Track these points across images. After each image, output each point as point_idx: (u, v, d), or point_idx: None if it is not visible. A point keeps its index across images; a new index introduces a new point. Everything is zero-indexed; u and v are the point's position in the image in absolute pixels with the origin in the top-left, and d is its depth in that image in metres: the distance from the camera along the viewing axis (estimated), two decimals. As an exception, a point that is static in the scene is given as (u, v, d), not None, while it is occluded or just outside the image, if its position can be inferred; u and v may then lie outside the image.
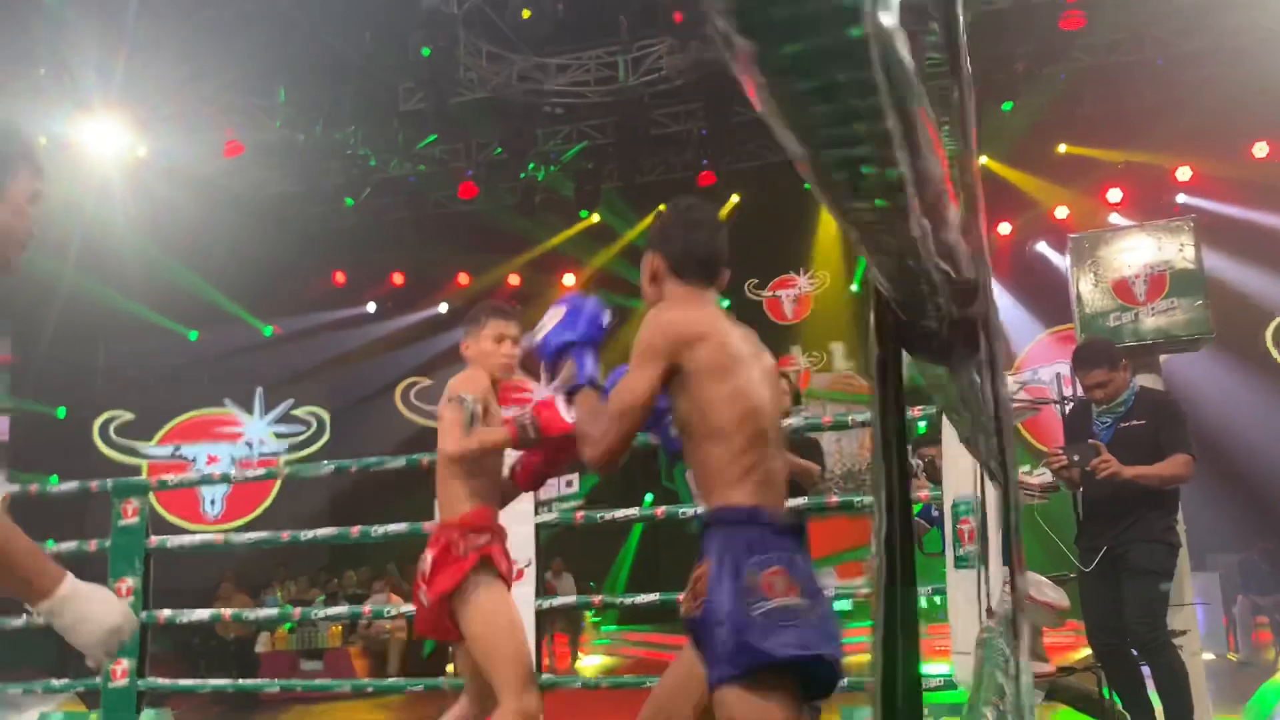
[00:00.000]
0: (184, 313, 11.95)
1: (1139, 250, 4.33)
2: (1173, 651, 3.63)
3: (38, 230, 1.57)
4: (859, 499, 4.27)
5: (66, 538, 4.40)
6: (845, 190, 0.42)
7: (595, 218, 13.12)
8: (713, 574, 1.80)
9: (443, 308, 13.98)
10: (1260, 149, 10.11)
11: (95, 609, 1.38)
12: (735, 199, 12.71)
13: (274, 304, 12.54)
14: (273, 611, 5.93)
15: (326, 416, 12.97)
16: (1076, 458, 3.73)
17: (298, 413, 12.87)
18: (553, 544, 11.37)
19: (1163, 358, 4.46)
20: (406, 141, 10.94)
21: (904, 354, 0.80)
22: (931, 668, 5.89)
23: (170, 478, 5.13)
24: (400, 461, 4.43)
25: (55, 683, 4.62)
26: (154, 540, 4.38)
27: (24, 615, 4.49)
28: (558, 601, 5.00)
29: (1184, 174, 10.50)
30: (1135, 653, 3.72)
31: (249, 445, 12.60)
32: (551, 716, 4.55)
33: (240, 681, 5.18)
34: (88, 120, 9.26)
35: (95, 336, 10.92)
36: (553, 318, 2.24)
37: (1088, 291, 4.39)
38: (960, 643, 3.63)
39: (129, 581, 4.26)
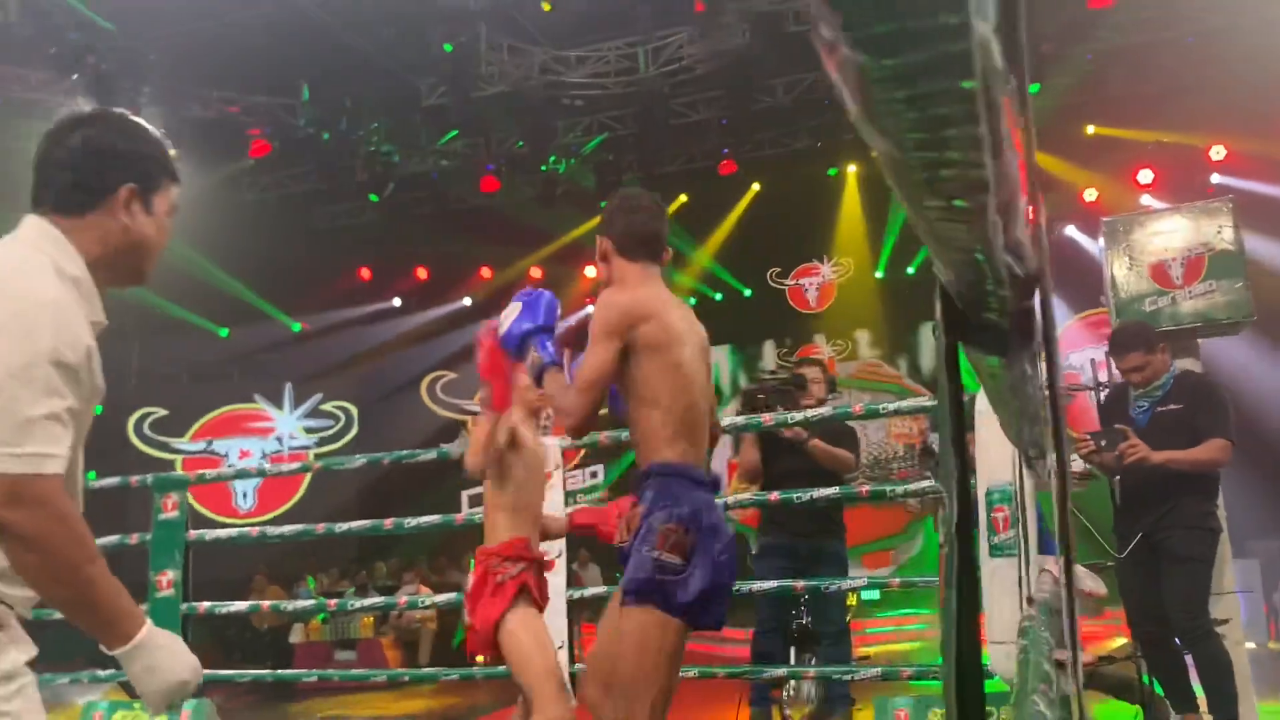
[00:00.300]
0: (214, 311, 12.09)
1: (1175, 232, 4.27)
2: (1215, 640, 3.59)
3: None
4: (890, 489, 4.26)
5: (106, 532, 4.47)
6: (925, 189, 0.43)
7: (617, 208, 13.12)
8: (641, 516, 2.19)
9: (466, 301, 14.03)
10: (1298, 126, 9.92)
11: (165, 660, 1.39)
12: (756, 187, 12.67)
13: (302, 300, 12.65)
14: (310, 603, 6.01)
15: (354, 411, 13.08)
16: (1104, 443, 3.70)
17: (326, 407, 12.99)
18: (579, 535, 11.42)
19: (1200, 341, 4.40)
20: (429, 137, 10.98)
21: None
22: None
23: (207, 472, 5.20)
24: (431, 454, 4.47)
25: (100, 673, 4.71)
26: (193, 534, 4.44)
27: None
28: (588, 592, 5.02)
29: (1218, 153, 10.31)
30: (1177, 641, 3.69)
31: (279, 440, 12.75)
32: (582, 706, 4.58)
33: (279, 671, 5.26)
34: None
35: (128, 336, 11.08)
36: (511, 311, 2.49)
37: (1122, 275, 4.34)
38: (996, 632, 3.61)
39: (170, 574, 4.33)
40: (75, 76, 8.64)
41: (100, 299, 1.50)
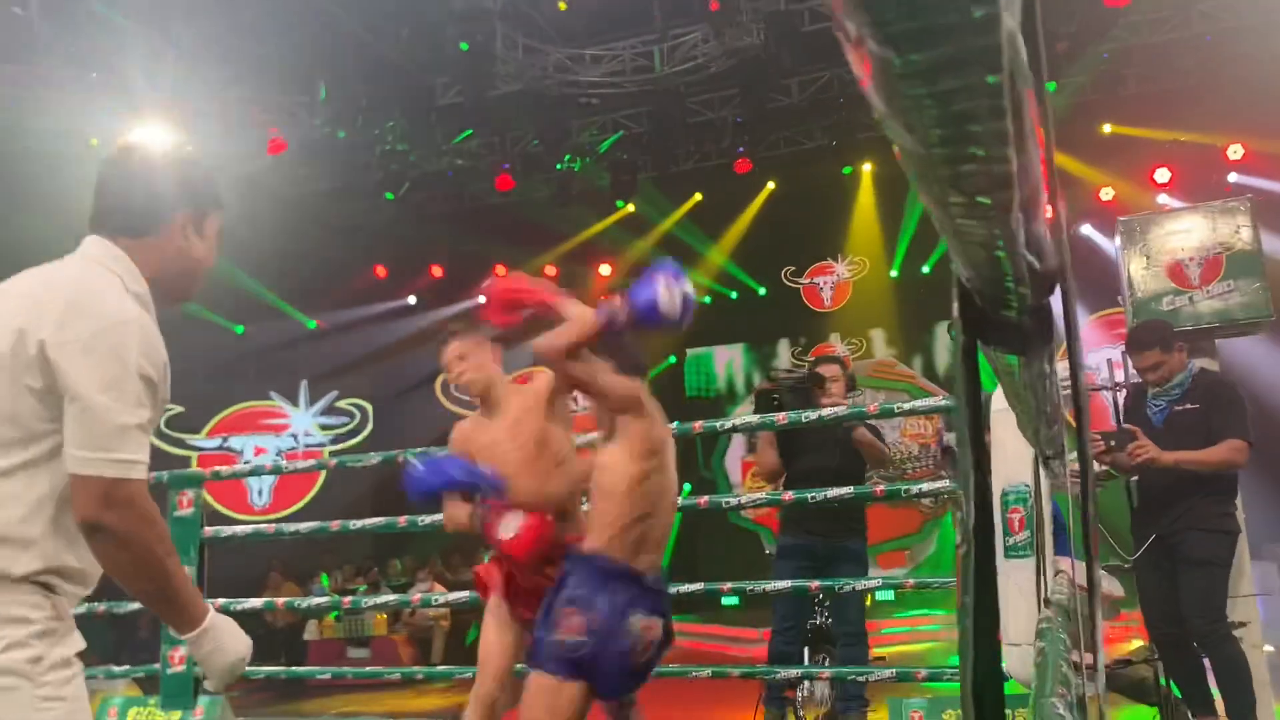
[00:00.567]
0: (230, 308, 12.15)
1: (1192, 232, 4.23)
2: (1233, 644, 3.57)
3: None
4: (905, 488, 4.23)
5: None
6: (949, 185, 0.42)
7: (631, 208, 13.13)
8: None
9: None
10: (1316, 125, 9.83)
11: (228, 642, 1.58)
12: (771, 186, 12.65)
13: (317, 298, 12.71)
14: (324, 600, 6.03)
15: (369, 408, 13.14)
16: (1113, 443, 3.68)
17: (341, 404, 13.05)
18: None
19: (1217, 341, 4.37)
20: (444, 136, 11.01)
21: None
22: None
23: (222, 469, 5.23)
24: (444, 453, 4.47)
25: (115, 669, 4.75)
26: (209, 530, 4.47)
27: (84, 604, 4.60)
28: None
29: (1235, 152, 10.23)
30: (1195, 644, 3.66)
31: (294, 437, 12.82)
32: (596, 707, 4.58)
33: (293, 669, 5.28)
34: (136, 122, 9.44)
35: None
36: (653, 285, 2.53)
37: (1139, 275, 4.31)
38: (1012, 634, 3.59)
39: (186, 570, 4.35)
40: (95, 75, 8.71)
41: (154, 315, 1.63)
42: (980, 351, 0.98)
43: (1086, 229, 10.99)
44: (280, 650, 9.14)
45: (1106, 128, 10.59)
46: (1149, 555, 3.76)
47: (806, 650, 4.59)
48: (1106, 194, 10.92)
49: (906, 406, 4.88)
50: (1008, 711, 3.54)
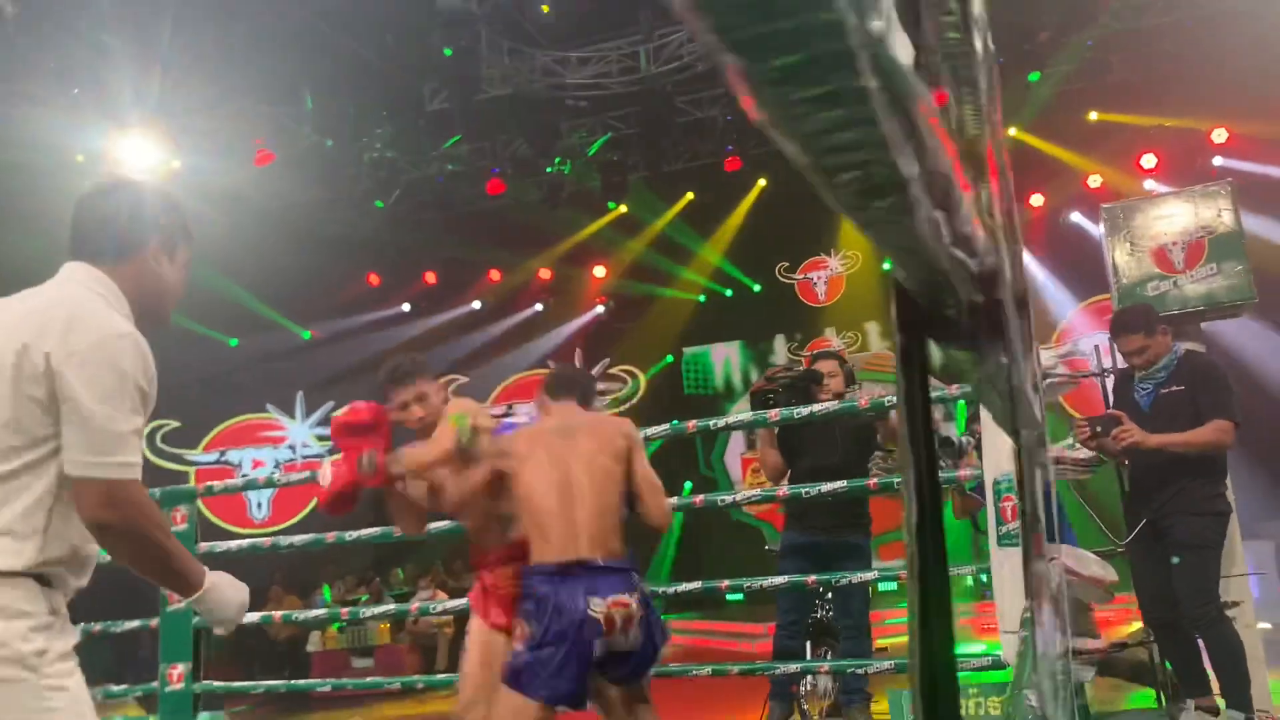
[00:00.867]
0: (223, 321, 12.14)
1: (1175, 217, 4.24)
2: (1226, 625, 3.57)
3: None
4: (898, 480, 4.23)
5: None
6: (848, 192, 0.43)
7: (623, 208, 13.13)
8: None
9: (476, 304, 14.07)
10: (1299, 107, 9.84)
11: (229, 594, 1.78)
12: (762, 183, 12.65)
13: (311, 308, 12.70)
14: (321, 612, 6.03)
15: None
16: (1099, 428, 3.68)
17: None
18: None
19: (1203, 325, 4.38)
20: (433, 142, 11.01)
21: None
22: (979, 647, 5.85)
23: (215, 484, 5.23)
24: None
25: (115, 688, 4.74)
26: (203, 546, 4.47)
27: (83, 624, 4.60)
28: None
29: (1220, 136, 10.26)
30: (1189, 626, 3.67)
31: (292, 449, 12.80)
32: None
33: (293, 682, 5.28)
34: (122, 136, 9.43)
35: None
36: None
37: (1124, 261, 4.32)
38: (1008, 622, 3.60)
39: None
40: (77, 91, 8.70)
41: None
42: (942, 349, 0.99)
43: (1076, 216, 11.01)
44: (284, 662, 9.14)
45: (1092, 115, 10.60)
46: (1141, 539, 3.77)
47: (809, 644, 4.59)
48: (1094, 181, 10.93)
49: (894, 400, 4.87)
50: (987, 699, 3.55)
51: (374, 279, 13.21)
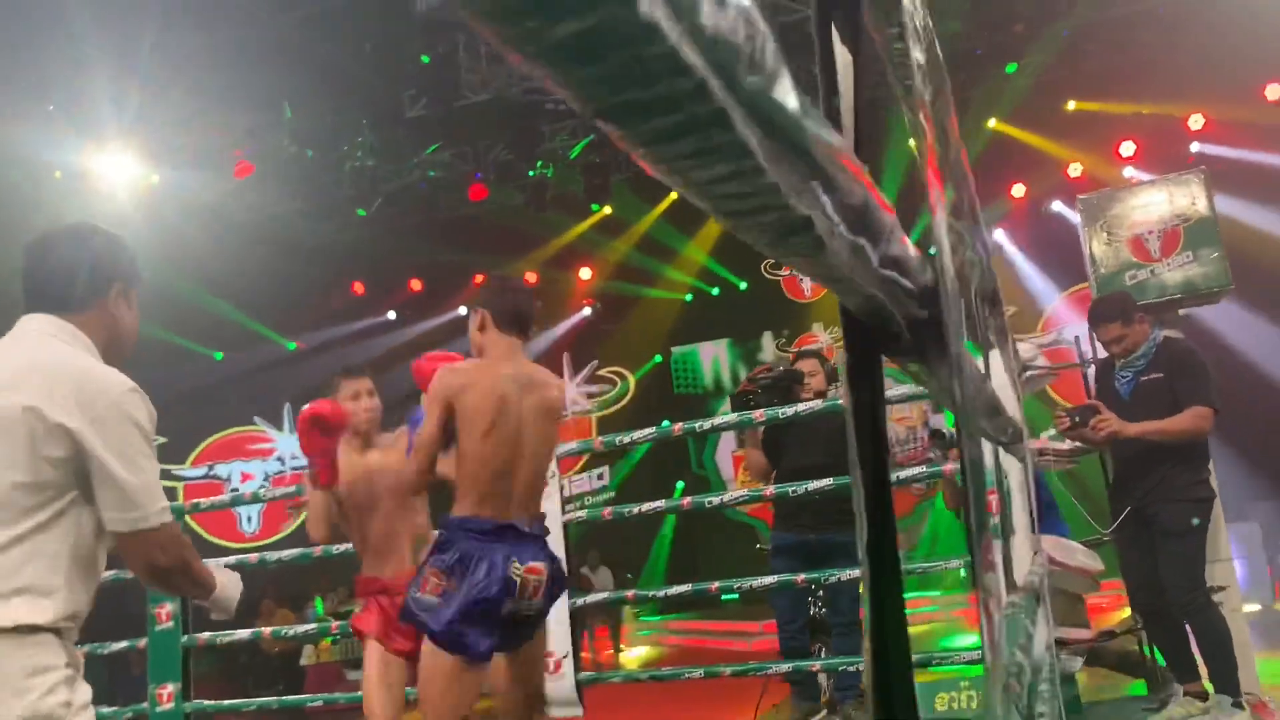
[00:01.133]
0: (208, 334, 12.09)
1: (1150, 206, 4.26)
2: (1212, 610, 3.59)
3: None
4: (893, 474, 4.24)
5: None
6: (753, 235, 0.43)
7: (608, 210, 13.13)
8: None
9: (462, 310, 14.04)
10: (1273, 90, 9.91)
11: (229, 590, 1.96)
12: (745, 180, 12.69)
13: (296, 319, 12.66)
14: (312, 627, 6.00)
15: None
16: (1077, 418, 3.70)
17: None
18: (588, 538, 11.43)
19: (1182, 311, 4.40)
20: (414, 149, 10.98)
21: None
22: (972, 639, 5.87)
23: (202, 501, 5.21)
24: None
25: (105, 709, 4.72)
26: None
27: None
28: (591, 599, 5.02)
29: (1196, 122, 10.32)
30: (1176, 613, 3.69)
31: (281, 461, 12.75)
32: (596, 711, 4.59)
33: (284, 698, 5.26)
34: (100, 151, 9.38)
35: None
36: None
37: (1101, 251, 4.34)
38: (994, 614, 3.61)
39: (168, 606, 4.33)
40: (51, 107, 8.65)
41: None
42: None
43: (1057, 205, 11.07)
44: (278, 676, 9.11)
45: (1070, 104, 10.65)
46: (1126, 527, 3.78)
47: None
48: (1075, 170, 10.99)
49: (895, 394, 4.89)
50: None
51: (359, 288, 13.18)
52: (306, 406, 3.03)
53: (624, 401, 14.29)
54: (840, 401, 4.29)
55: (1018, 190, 11.50)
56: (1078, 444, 3.94)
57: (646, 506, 4.70)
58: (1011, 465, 2.90)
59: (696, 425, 4.49)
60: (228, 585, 1.95)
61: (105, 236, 1.87)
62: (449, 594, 2.53)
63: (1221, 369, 3.87)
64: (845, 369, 0.73)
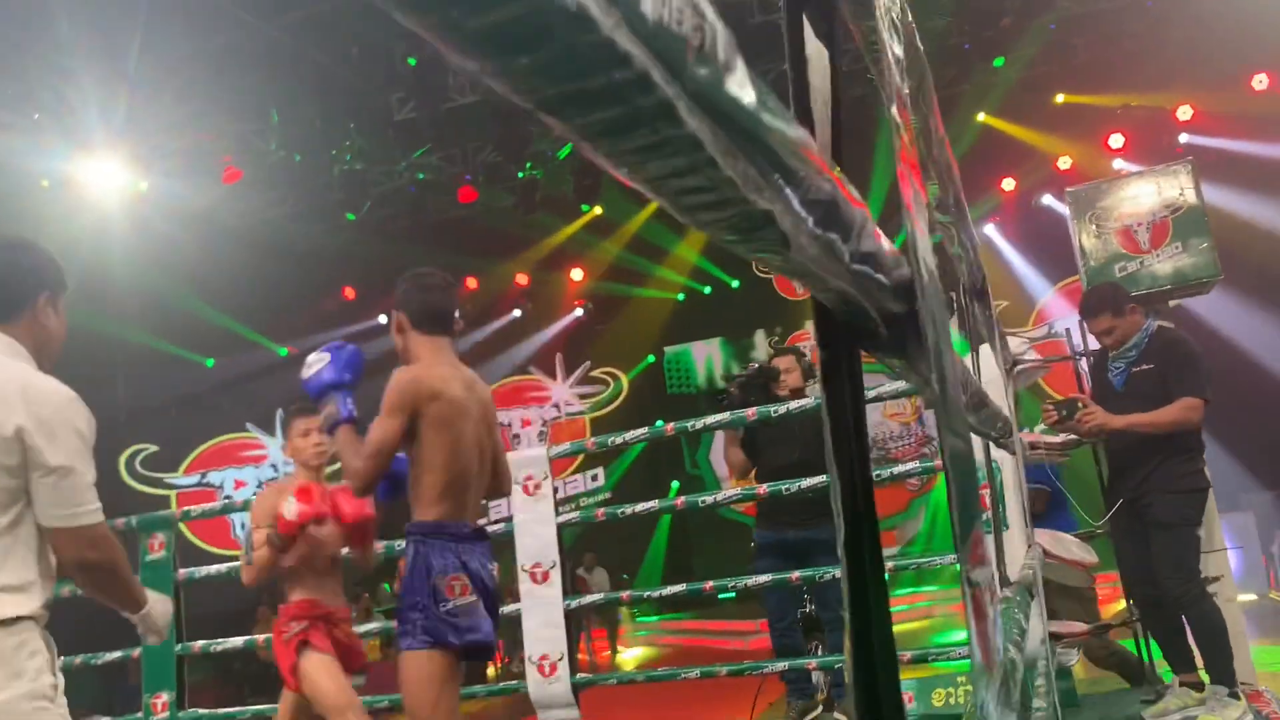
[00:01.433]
0: (199, 342, 12.05)
1: (1139, 197, 4.26)
2: (1207, 602, 3.59)
3: None
4: (883, 471, 4.24)
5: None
6: (715, 231, 0.42)
7: (598, 210, 13.12)
8: (407, 569, 2.52)
9: (454, 313, 14.02)
10: (1260, 81, 9.95)
11: (160, 607, 2.05)
12: (735, 179, 12.67)
13: (287, 325, 12.62)
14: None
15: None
16: (1064, 411, 3.69)
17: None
18: (583, 539, 11.41)
19: (1173, 303, 4.40)
20: (402, 152, 10.96)
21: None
22: (965, 634, 5.87)
23: (194, 509, 5.18)
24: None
25: (102, 719, 4.69)
26: (183, 573, 4.42)
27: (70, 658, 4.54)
28: (586, 600, 5.00)
29: (1185, 113, 10.35)
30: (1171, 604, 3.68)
31: (274, 467, 12.72)
32: (593, 712, 4.57)
33: (275, 706, 5.23)
34: (87, 159, 9.34)
35: (112, 373, 11.05)
36: (317, 361, 2.69)
37: (1090, 243, 4.34)
38: (989, 609, 3.60)
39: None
40: (37, 115, 8.61)
41: None
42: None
43: (1047, 199, 11.08)
44: (275, 684, 9.06)
45: (1059, 98, 10.68)
46: (1121, 519, 3.78)
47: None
48: (1064, 163, 11.01)
49: (873, 393, 4.89)
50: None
51: (349, 292, 13.15)
52: (298, 508, 2.96)
53: (617, 402, 14.28)
54: (801, 402, 4.31)
55: (1007, 184, 11.51)
56: (1069, 437, 3.94)
57: (640, 507, 4.69)
58: (1004, 460, 2.90)
59: (690, 424, 4.49)
60: (156, 604, 2.02)
61: (29, 248, 1.97)
62: (481, 592, 2.51)
63: (1213, 359, 3.86)
64: (820, 366, 0.72)
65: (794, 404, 4.14)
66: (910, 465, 4.33)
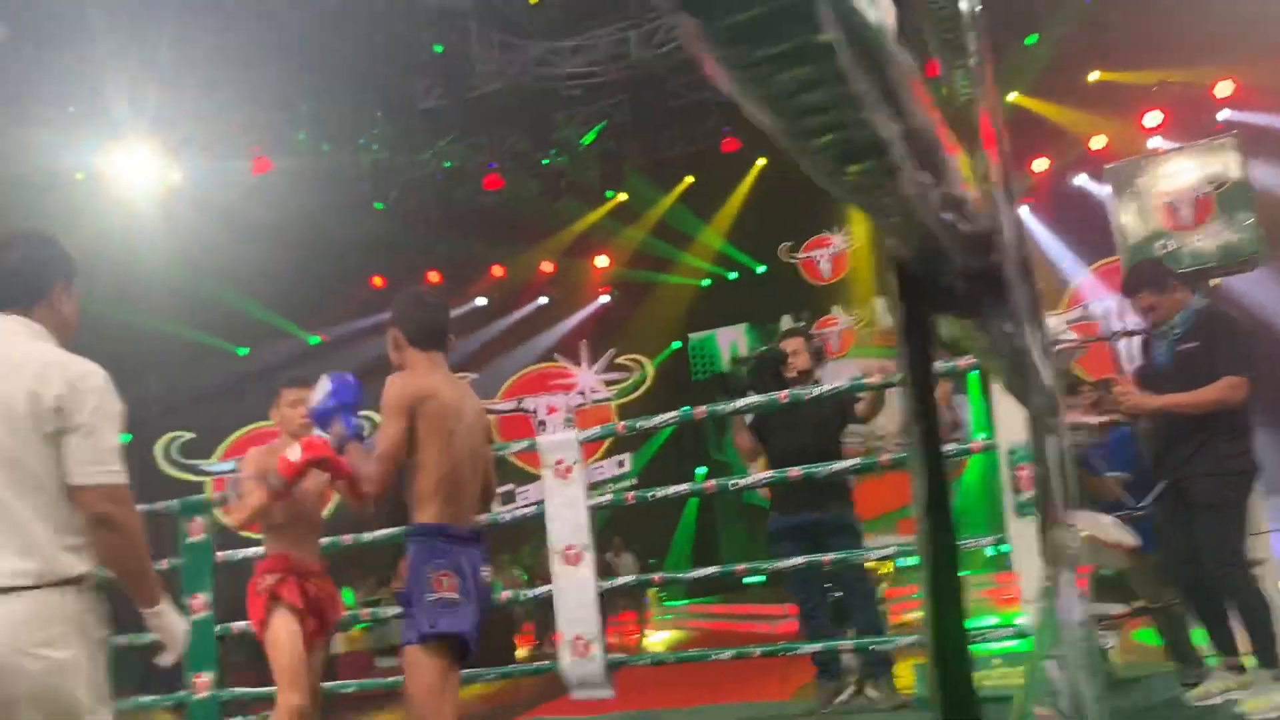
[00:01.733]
0: (231, 331, 12.16)
1: (1181, 173, 4.18)
2: (1253, 584, 3.53)
3: None
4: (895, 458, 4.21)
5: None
6: (827, 157, 0.40)
7: (622, 197, 13.09)
8: (407, 569, 2.66)
9: (481, 301, 14.05)
10: (1306, 53, 9.70)
11: (175, 620, 2.13)
12: (761, 163, 12.57)
13: (317, 313, 12.71)
14: (344, 615, 6.04)
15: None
16: (1099, 393, 3.64)
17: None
18: (611, 524, 11.43)
19: (1213, 281, 4.32)
20: (428, 140, 10.98)
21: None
22: (998, 618, 5.82)
23: (230, 494, 5.23)
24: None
25: (144, 698, 4.77)
26: (221, 555, 4.48)
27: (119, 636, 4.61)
28: (618, 582, 5.02)
29: (1224, 89, 10.13)
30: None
31: (305, 454, 12.80)
32: (624, 693, 4.59)
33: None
34: (120, 152, 9.44)
35: (147, 363, 11.17)
36: (321, 389, 2.94)
37: (1131, 221, 4.27)
38: (1028, 592, 3.57)
39: (201, 596, 4.36)
40: (71, 110, 8.70)
41: None
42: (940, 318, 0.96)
43: (1081, 179, 10.91)
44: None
45: (1093, 75, 10.49)
46: (1165, 500, 3.72)
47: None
48: (1098, 142, 10.82)
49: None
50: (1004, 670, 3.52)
51: (378, 280, 13.20)
52: (302, 452, 3.12)
53: (642, 389, 14.27)
54: (823, 387, 4.29)
55: (1040, 164, 11.35)
56: (1110, 417, 3.88)
57: (672, 490, 4.69)
58: (1049, 438, 2.86)
59: (720, 408, 4.48)
60: (172, 615, 2.11)
61: (45, 240, 2.14)
62: (467, 592, 2.61)
63: (1257, 338, 3.78)
64: (898, 324, 0.70)
65: (828, 388, 4.12)
66: (949, 447, 4.29)
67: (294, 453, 3.13)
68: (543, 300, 14.56)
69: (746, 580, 10.90)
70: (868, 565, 5.17)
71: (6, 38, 7.98)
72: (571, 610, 4.36)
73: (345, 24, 9.21)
